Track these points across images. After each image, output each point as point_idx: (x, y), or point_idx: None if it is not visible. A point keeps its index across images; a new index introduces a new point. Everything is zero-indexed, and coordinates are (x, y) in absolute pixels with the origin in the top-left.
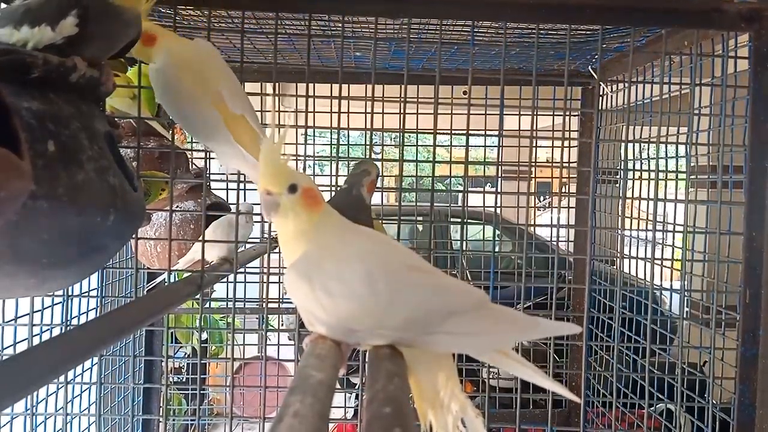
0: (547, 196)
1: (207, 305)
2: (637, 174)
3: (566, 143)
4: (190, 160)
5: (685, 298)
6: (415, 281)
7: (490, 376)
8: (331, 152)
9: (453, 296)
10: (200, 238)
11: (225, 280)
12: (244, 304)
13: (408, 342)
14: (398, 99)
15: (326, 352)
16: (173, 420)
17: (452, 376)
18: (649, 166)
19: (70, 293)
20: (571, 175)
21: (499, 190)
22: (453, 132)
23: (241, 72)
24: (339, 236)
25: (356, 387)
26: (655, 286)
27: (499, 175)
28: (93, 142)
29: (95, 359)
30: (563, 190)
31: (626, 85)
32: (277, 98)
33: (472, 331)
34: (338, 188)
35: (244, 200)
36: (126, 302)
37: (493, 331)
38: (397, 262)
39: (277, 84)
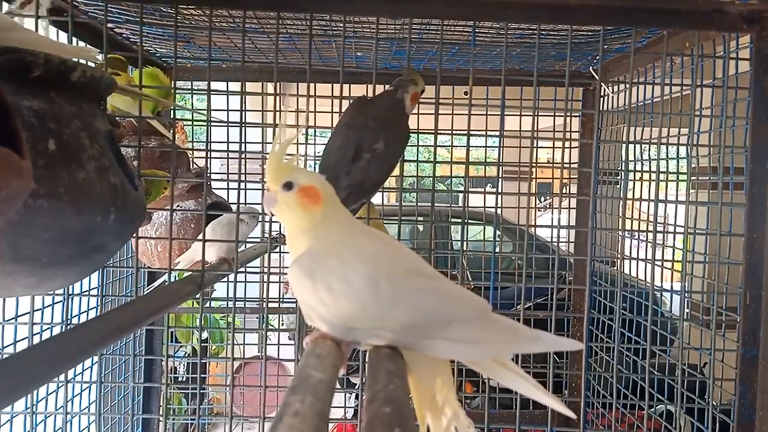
0: (548, 197)
1: (207, 305)
2: (638, 175)
3: (567, 144)
4: (190, 159)
5: (686, 299)
6: (417, 286)
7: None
8: None
9: (455, 304)
10: (200, 238)
11: (225, 279)
12: (245, 304)
13: (407, 345)
14: None
15: (326, 351)
16: (173, 419)
17: (448, 381)
18: (650, 167)
19: (70, 292)
20: (571, 176)
21: (499, 191)
22: (454, 132)
23: (242, 71)
24: (343, 235)
25: (356, 387)
26: (655, 287)
27: (500, 176)
28: (94, 141)
29: (95, 358)
30: (564, 191)
31: (627, 86)
32: (278, 98)
33: (472, 339)
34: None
35: (245, 200)
36: (126, 301)
37: (493, 341)
38: (400, 266)
39: (278, 83)
